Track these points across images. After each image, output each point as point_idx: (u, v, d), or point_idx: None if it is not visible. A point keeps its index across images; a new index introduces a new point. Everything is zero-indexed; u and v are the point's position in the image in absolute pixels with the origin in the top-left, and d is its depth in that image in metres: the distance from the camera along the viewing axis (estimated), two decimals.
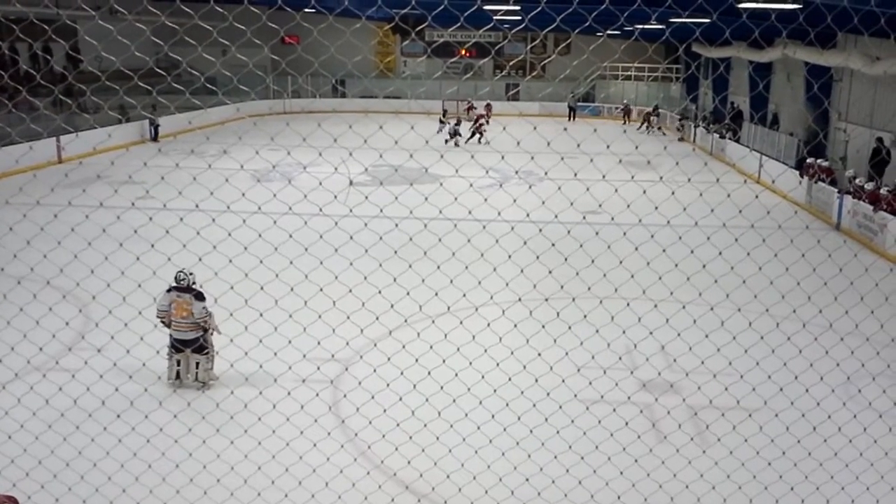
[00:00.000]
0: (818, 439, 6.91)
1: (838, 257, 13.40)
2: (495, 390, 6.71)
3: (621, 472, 6.33)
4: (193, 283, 8.85)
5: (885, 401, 7.70)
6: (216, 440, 6.67)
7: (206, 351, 8.87)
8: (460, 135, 30.81)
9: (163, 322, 8.82)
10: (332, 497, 6.16)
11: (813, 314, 8.04)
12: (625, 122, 39.06)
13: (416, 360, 6.31)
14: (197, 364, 8.87)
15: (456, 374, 6.64)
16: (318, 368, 8.35)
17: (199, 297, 8.80)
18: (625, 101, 41.21)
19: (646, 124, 37.47)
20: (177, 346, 8.79)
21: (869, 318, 7.91)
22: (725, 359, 6.86)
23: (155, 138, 29.92)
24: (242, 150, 21.25)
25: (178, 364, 8.83)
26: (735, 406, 7.57)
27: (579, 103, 42.34)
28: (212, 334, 8.97)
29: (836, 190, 19.03)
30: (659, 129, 37.36)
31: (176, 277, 8.75)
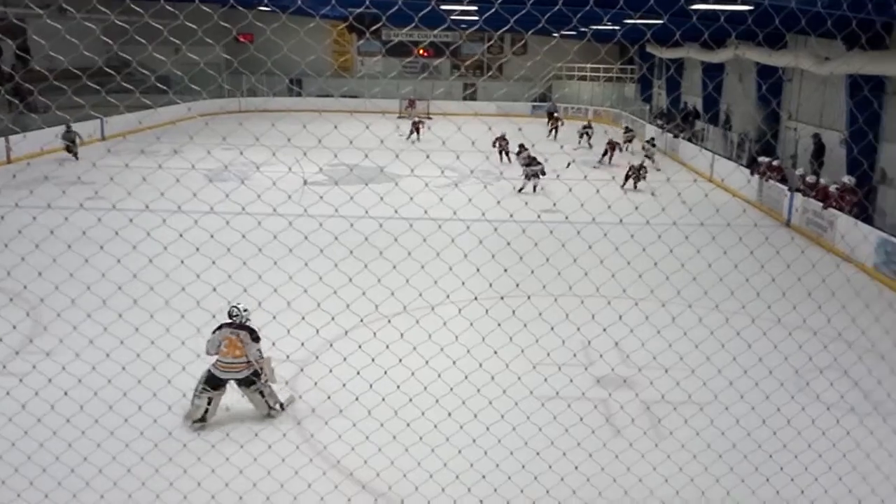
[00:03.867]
0: (768, 432, 7.07)
1: (787, 253, 13.69)
2: (451, 388, 6.74)
3: (576, 467, 6.40)
4: (248, 320, 8.07)
5: (832, 393, 7.89)
6: (168, 443, 6.58)
7: (257, 383, 8.08)
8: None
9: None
10: (287, 498, 6.12)
11: (762, 309, 8.22)
12: (552, 131, 33.64)
13: (373, 360, 6.30)
14: (261, 393, 8.12)
15: (412, 374, 6.66)
16: (273, 370, 8.29)
17: (255, 337, 8.03)
18: (555, 105, 37.76)
19: (632, 178, 22.39)
20: (215, 383, 7.97)
21: (817, 312, 8.12)
22: (677, 354, 6.98)
23: (70, 150, 24.35)
24: (194, 150, 20.98)
25: (209, 403, 7.98)
26: (687, 400, 7.70)
27: (535, 103, 42.57)
28: (265, 381, 8.14)
29: (786, 188, 19.47)
30: (638, 174, 22.39)
31: (229, 313, 8.03)
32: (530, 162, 20.96)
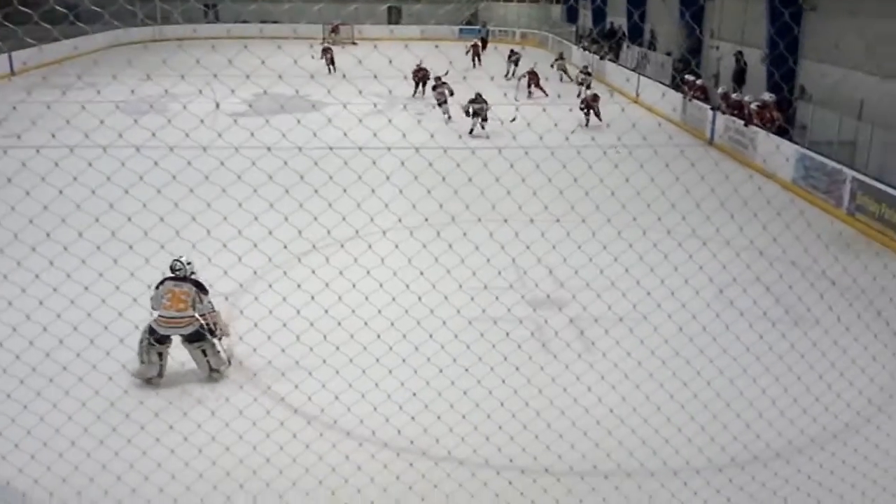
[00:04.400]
0: (684, 339, 7.37)
1: (704, 168, 14.04)
2: (380, 311, 6.80)
3: (503, 381, 6.59)
4: (192, 272, 7.83)
5: (745, 300, 8.22)
6: (101, 382, 6.49)
7: (202, 340, 7.71)
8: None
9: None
10: (219, 425, 6.15)
11: (677, 221, 8.47)
12: (474, 62, 32.27)
13: (299, 286, 6.30)
14: (204, 352, 7.74)
15: (339, 298, 6.68)
16: (227, 324, 8.17)
17: (202, 288, 7.74)
18: (487, 30, 37.78)
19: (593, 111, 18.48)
20: (161, 340, 7.63)
21: (730, 223, 8.40)
22: (597, 267, 7.14)
23: None
24: (101, 79, 20.12)
25: (161, 358, 7.69)
26: (607, 312, 7.95)
27: (463, 26, 42.04)
28: (219, 338, 7.88)
29: (709, 107, 19.81)
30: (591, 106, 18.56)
31: (172, 267, 7.72)
32: (474, 99, 17.78)
